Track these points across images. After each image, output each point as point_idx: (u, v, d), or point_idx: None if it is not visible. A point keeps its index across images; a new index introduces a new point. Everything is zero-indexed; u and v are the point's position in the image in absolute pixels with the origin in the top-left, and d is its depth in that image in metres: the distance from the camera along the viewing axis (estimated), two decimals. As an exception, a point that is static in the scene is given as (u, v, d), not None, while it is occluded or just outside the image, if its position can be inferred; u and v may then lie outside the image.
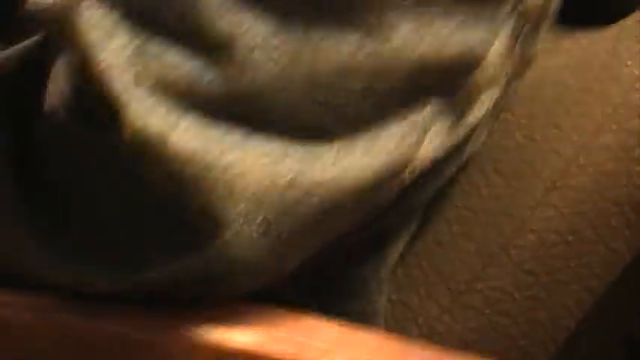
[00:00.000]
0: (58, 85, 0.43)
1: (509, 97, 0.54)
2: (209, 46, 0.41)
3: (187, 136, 0.40)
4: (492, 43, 0.47)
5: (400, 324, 0.54)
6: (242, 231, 0.41)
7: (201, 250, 0.41)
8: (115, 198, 0.42)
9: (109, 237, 0.42)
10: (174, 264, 0.42)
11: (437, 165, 0.49)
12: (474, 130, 0.51)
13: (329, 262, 0.50)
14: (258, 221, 0.41)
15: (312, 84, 0.42)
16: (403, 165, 0.46)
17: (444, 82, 0.46)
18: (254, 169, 0.41)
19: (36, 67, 0.45)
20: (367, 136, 0.44)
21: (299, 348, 0.44)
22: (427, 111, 0.46)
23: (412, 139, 0.46)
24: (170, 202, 0.41)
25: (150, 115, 0.40)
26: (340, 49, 0.42)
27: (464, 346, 0.55)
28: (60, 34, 0.42)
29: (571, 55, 0.58)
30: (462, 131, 0.49)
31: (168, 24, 0.41)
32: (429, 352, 0.48)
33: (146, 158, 0.40)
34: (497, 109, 0.53)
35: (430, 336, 0.54)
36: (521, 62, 0.52)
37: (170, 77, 0.41)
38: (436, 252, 0.55)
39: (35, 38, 0.46)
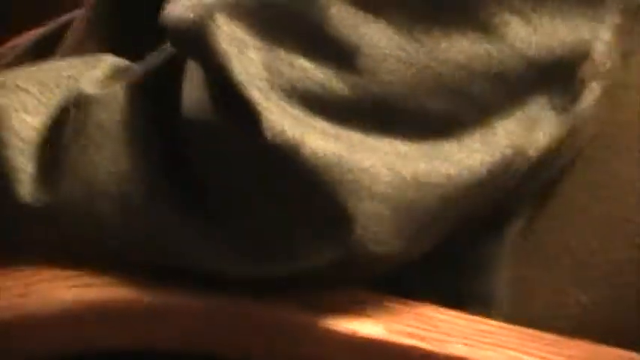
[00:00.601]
0: (194, 92, 0.46)
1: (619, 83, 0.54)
2: (338, 55, 0.44)
3: (321, 139, 0.44)
4: (597, 37, 0.49)
5: (522, 298, 0.57)
6: (372, 226, 0.45)
7: (336, 242, 0.45)
8: (260, 191, 0.46)
9: (256, 226, 0.46)
10: (315, 254, 0.46)
11: (551, 153, 0.51)
12: (584, 119, 0.52)
13: (448, 245, 0.52)
14: (386, 218, 0.45)
15: (436, 85, 0.46)
16: (517, 157, 0.48)
17: (555, 75, 0.49)
18: (382, 169, 0.45)
19: (169, 76, 0.48)
20: (484, 131, 0.47)
21: (422, 339, 0.48)
22: (539, 104, 0.49)
23: (525, 132, 0.49)
24: (308, 199, 0.44)
25: (286, 119, 0.44)
26: (460, 50, 0.45)
27: (586, 318, 0.57)
28: (193, 47, 0.45)
29: None
30: (570, 122, 0.51)
31: (298, 35, 0.45)
32: (546, 339, 0.51)
33: (285, 159, 0.44)
34: (607, 97, 0.54)
35: (551, 309, 0.56)
36: (623, 55, 0.52)
37: (302, 84, 0.45)
38: (556, 227, 0.57)
39: (168, 49, 0.49)
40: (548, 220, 0.56)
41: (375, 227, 0.45)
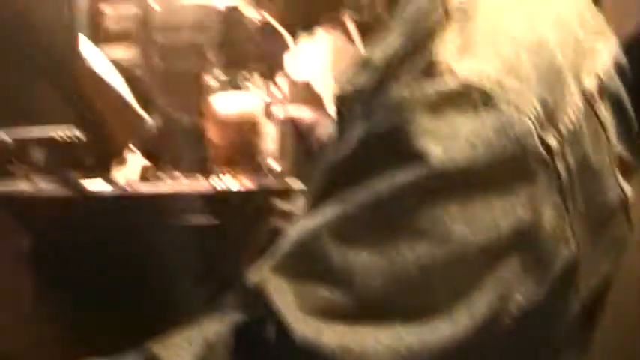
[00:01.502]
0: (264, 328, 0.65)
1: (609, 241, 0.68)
2: (340, 279, 0.63)
3: (334, 337, 0.61)
4: (541, 213, 0.63)
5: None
6: None
7: None
8: None
9: None
10: None
11: (544, 307, 0.64)
12: (569, 278, 0.65)
13: None
14: None
15: (409, 282, 0.62)
16: (500, 316, 0.62)
17: (511, 252, 0.62)
18: (382, 349, 0.61)
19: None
20: (465, 303, 0.61)
21: None
22: (511, 272, 0.62)
23: (503, 295, 0.62)
24: None
25: (309, 328, 0.63)
26: (420, 255, 0.62)
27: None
28: (256, 301, 0.66)
29: None
30: (549, 281, 0.64)
31: (316, 273, 0.64)
32: None
33: (310, 355, 0.62)
34: (597, 256, 0.67)
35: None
36: (594, 213, 0.66)
37: (320, 303, 0.63)
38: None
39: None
40: None
41: None
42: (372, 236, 0.62)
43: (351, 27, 1.94)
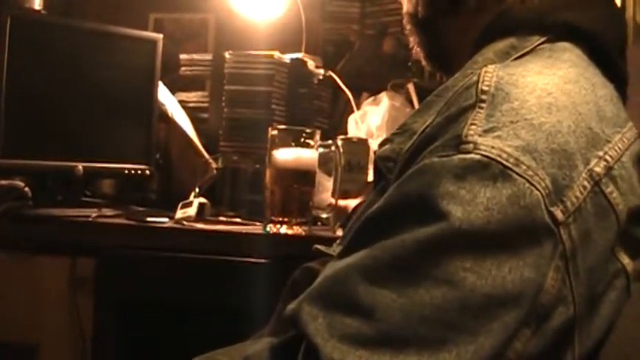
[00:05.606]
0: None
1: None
2: (365, 313, 0.71)
3: None
4: (545, 274, 0.71)
5: None
6: None
7: None
8: None
9: None
10: None
11: (540, 358, 0.72)
12: (566, 335, 0.74)
13: None
14: None
15: (424, 319, 0.70)
16: (501, 357, 0.70)
17: (515, 304, 0.71)
18: None
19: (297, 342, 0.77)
20: (473, 343, 0.70)
21: None
22: (513, 323, 0.70)
23: (505, 342, 0.71)
24: None
25: (336, 353, 0.71)
26: (435, 297, 0.70)
27: None
28: (293, 324, 0.75)
29: None
30: (547, 334, 0.72)
31: (344, 306, 0.72)
32: None
33: None
34: (594, 311, 0.76)
35: None
36: (594, 282, 0.75)
37: (347, 331, 0.72)
38: None
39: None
40: None
41: None
42: (396, 278, 0.71)
43: (413, 91, 2.04)
